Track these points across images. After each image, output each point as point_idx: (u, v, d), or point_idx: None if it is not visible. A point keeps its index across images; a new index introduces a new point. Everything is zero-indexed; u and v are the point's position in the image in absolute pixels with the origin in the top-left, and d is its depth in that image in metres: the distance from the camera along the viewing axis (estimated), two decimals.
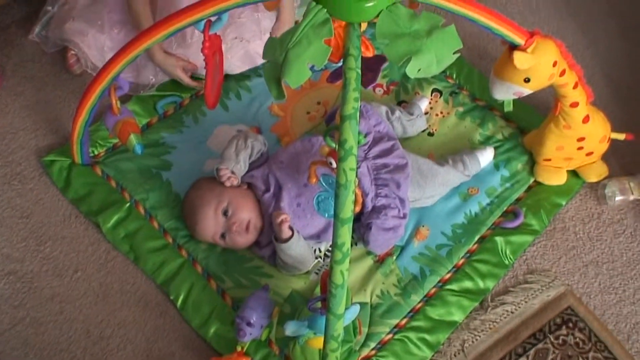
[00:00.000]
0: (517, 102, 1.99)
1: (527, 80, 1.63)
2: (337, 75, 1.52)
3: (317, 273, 1.75)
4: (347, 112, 1.29)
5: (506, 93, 1.68)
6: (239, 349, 1.61)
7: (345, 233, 1.31)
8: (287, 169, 1.74)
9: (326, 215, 1.67)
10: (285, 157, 1.77)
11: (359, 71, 1.33)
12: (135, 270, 1.77)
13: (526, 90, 1.66)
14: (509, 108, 1.74)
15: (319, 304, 1.45)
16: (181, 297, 1.71)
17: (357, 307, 1.52)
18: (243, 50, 1.98)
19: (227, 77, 2.00)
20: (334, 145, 1.45)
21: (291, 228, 1.65)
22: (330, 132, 1.47)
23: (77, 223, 1.83)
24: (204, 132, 1.98)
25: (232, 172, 1.71)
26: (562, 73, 1.66)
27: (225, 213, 1.69)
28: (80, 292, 1.73)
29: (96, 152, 1.93)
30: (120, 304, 1.72)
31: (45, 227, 1.82)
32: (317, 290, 1.70)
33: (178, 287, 1.72)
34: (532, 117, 2.01)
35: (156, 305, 1.72)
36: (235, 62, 1.98)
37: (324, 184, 1.64)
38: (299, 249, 1.66)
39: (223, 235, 1.71)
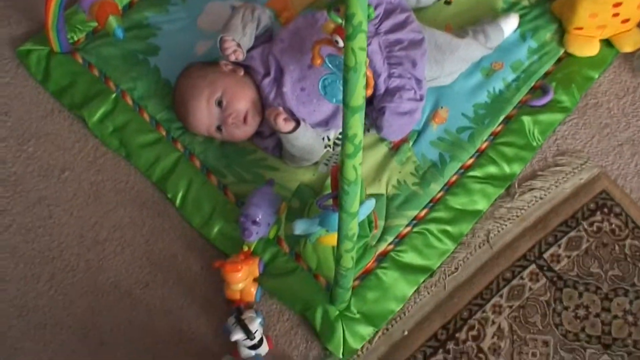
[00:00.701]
0: None
1: None
2: None
3: (326, 164, 1.59)
4: None
5: None
6: (245, 248, 1.48)
7: (357, 123, 1.14)
8: (289, 49, 1.54)
9: (334, 100, 1.49)
10: (285, 36, 1.57)
11: None
12: (127, 167, 1.62)
13: None
14: None
15: (330, 202, 1.30)
16: (179, 195, 1.56)
17: (372, 201, 1.38)
18: None
19: None
20: (339, 21, 1.25)
21: (295, 119, 1.48)
22: (335, 5, 1.27)
23: (60, 118, 1.67)
24: (193, 9, 1.77)
25: (238, 45, 1.52)
26: None
27: (219, 104, 1.52)
28: (69, 194, 1.59)
29: (75, 38, 1.73)
30: (114, 204, 1.58)
31: (27, 124, 1.66)
32: (328, 182, 1.54)
33: (175, 184, 1.57)
34: None
35: (153, 204, 1.58)
36: None
37: (330, 65, 1.45)
38: (306, 139, 1.50)
39: (219, 128, 1.54)
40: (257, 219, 1.44)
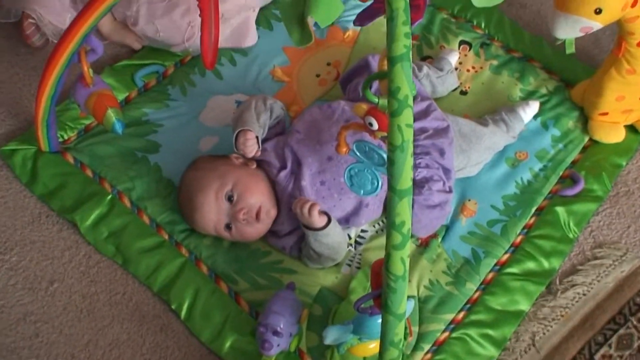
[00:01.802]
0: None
1: (598, 12, 1.34)
2: (368, 14, 1.21)
3: (349, 264, 1.43)
4: (397, 51, 0.98)
5: (572, 29, 1.38)
6: None
7: (405, 209, 1.02)
8: (306, 141, 1.42)
9: (361, 192, 1.36)
10: (301, 127, 1.45)
11: (407, 0, 1.02)
12: (125, 276, 1.44)
13: (596, 24, 1.37)
14: (571, 49, 1.45)
15: (369, 303, 1.14)
16: (185, 305, 1.38)
17: (412, 302, 1.23)
18: (228, 30, 1.67)
19: None
20: (376, 100, 1.13)
21: (325, 213, 1.34)
22: (370, 82, 1.15)
23: (48, 223, 1.50)
24: (195, 105, 1.65)
25: (257, 139, 1.39)
26: (635, 3, 1.37)
27: (229, 198, 1.37)
28: (58, 308, 1.40)
29: (65, 137, 1.59)
30: (110, 319, 1.39)
31: (10, 232, 1.48)
32: (353, 285, 1.38)
33: (180, 293, 1.39)
34: (577, 67, 1.74)
35: (154, 318, 1.39)
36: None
37: (357, 152, 1.32)
38: (336, 235, 1.36)
39: (228, 226, 1.39)
40: (279, 329, 1.26)
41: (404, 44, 0.98)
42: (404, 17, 0.98)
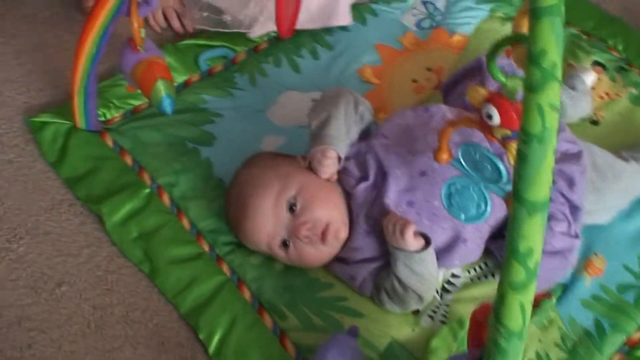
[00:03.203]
0: None
1: None
2: None
3: (431, 316, 1.11)
4: (545, 2, 0.69)
5: None
6: None
7: (536, 230, 0.72)
8: (395, 149, 1.12)
9: (462, 217, 1.03)
10: (390, 131, 1.15)
11: None
12: (149, 289, 1.15)
13: None
14: None
15: None
16: (216, 337, 1.08)
17: None
18: (315, 4, 1.40)
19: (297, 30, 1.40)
20: (503, 79, 0.82)
21: (422, 234, 1.04)
22: (499, 50, 0.84)
23: (70, 213, 1.23)
24: (264, 98, 1.38)
25: (339, 159, 1.11)
26: None
27: (291, 207, 1.08)
28: (62, 317, 1.12)
29: (108, 116, 1.34)
30: (122, 340, 1.10)
31: (23, 217, 1.22)
32: (436, 343, 1.05)
33: (212, 320, 1.09)
34: None
35: (176, 347, 1.09)
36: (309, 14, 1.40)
37: (462, 161, 1.00)
38: (432, 264, 1.06)
39: (285, 243, 1.09)
40: None
41: None
42: None
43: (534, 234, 0.70)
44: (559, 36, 0.68)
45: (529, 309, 0.73)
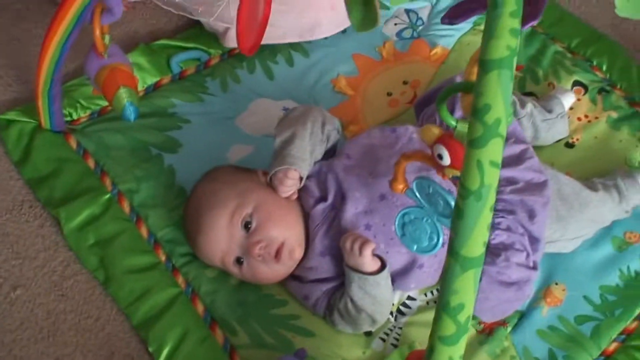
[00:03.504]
0: None
1: None
2: (464, 9, 0.89)
3: (382, 339, 1.10)
4: (495, 53, 0.67)
5: None
6: None
7: (469, 286, 0.72)
8: (357, 170, 1.10)
9: (414, 247, 1.02)
10: (354, 151, 1.13)
11: None
12: (102, 298, 1.14)
13: None
14: None
15: None
16: (165, 351, 1.07)
17: None
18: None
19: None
20: (453, 123, 0.81)
21: (379, 256, 1.04)
22: (449, 95, 0.82)
23: (30, 215, 1.22)
24: (235, 105, 1.36)
25: (301, 179, 1.09)
26: None
27: (246, 225, 1.06)
28: (15, 321, 1.11)
29: (75, 116, 1.32)
30: (73, 347, 1.09)
31: None
32: None
33: (163, 333, 1.08)
34: None
35: (125, 358, 1.09)
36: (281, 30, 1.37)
37: (417, 193, 0.98)
38: (387, 289, 1.05)
39: (239, 260, 1.08)
40: None
41: (507, 44, 0.66)
42: (513, 5, 0.66)
43: (466, 290, 0.69)
44: (507, 90, 0.66)
45: None
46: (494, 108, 0.66)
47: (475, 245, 0.69)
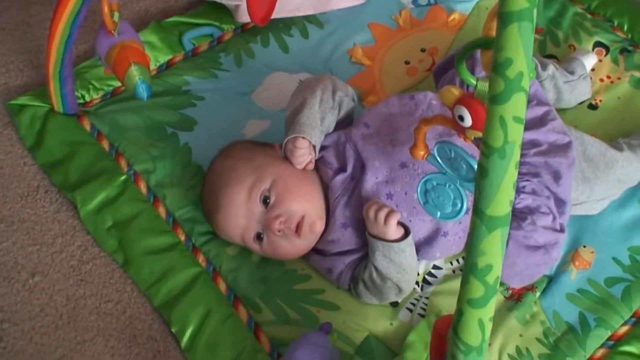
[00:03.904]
0: None
1: None
2: None
3: (409, 309, 1.08)
4: (513, 6, 0.64)
5: None
6: None
7: (495, 247, 0.69)
8: (376, 139, 1.07)
9: (437, 214, 0.99)
10: (372, 120, 1.11)
11: None
12: (122, 280, 1.13)
13: None
14: None
15: None
16: (189, 331, 1.06)
17: None
18: None
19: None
20: (474, 81, 0.78)
21: (403, 225, 1.02)
22: (469, 53, 0.79)
23: (45, 201, 1.21)
24: (250, 80, 1.34)
25: (314, 147, 1.06)
26: None
27: (265, 200, 1.04)
28: (35, 308, 1.10)
29: (87, 98, 1.31)
30: (94, 332, 1.08)
31: None
32: (413, 338, 1.02)
33: (185, 313, 1.07)
34: None
35: (149, 340, 1.08)
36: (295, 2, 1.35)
37: (438, 159, 0.95)
38: (412, 256, 1.03)
39: (259, 236, 1.06)
40: None
41: None
42: None
43: (493, 250, 0.66)
44: (528, 43, 0.63)
45: (488, 324, 0.69)
46: (516, 62, 0.63)
47: (501, 204, 0.66)
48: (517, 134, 0.65)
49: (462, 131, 0.83)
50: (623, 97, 1.32)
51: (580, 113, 1.29)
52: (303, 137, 1.04)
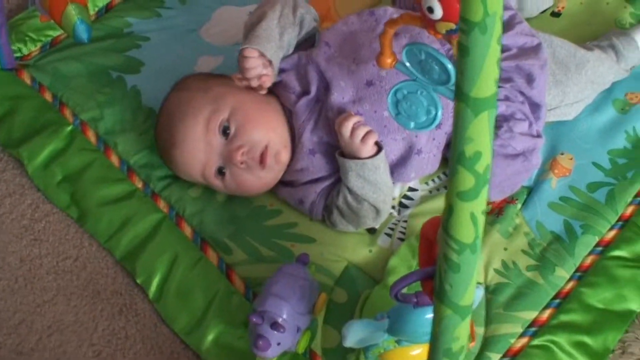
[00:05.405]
0: None
1: None
2: None
3: (388, 234, 1.03)
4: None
5: None
6: None
7: (483, 131, 0.61)
8: (339, 58, 1.01)
9: (411, 125, 0.93)
10: (333, 39, 1.04)
11: None
12: (79, 235, 1.06)
13: None
14: None
15: (416, 287, 0.74)
16: (156, 280, 1.00)
17: (480, 290, 0.83)
18: None
19: None
20: None
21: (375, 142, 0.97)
22: None
23: None
24: (196, 16, 1.27)
25: (269, 64, 0.98)
26: None
27: (224, 130, 0.97)
28: None
29: (25, 51, 1.23)
30: (53, 292, 1.01)
31: None
32: (394, 262, 0.98)
33: (151, 262, 1.01)
34: None
35: (113, 295, 1.01)
36: None
37: (407, 64, 0.89)
38: (386, 174, 0.97)
39: (221, 171, 0.99)
40: (280, 320, 0.86)
41: None
42: None
43: (481, 136, 0.60)
44: None
45: (481, 218, 0.64)
46: None
47: (486, 83, 0.60)
48: (497, 5, 0.59)
49: (432, 26, 0.77)
50: (585, 2, 1.28)
51: (544, 21, 1.25)
52: (252, 48, 0.95)
